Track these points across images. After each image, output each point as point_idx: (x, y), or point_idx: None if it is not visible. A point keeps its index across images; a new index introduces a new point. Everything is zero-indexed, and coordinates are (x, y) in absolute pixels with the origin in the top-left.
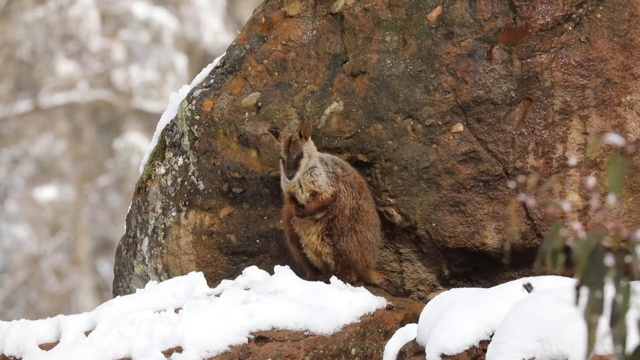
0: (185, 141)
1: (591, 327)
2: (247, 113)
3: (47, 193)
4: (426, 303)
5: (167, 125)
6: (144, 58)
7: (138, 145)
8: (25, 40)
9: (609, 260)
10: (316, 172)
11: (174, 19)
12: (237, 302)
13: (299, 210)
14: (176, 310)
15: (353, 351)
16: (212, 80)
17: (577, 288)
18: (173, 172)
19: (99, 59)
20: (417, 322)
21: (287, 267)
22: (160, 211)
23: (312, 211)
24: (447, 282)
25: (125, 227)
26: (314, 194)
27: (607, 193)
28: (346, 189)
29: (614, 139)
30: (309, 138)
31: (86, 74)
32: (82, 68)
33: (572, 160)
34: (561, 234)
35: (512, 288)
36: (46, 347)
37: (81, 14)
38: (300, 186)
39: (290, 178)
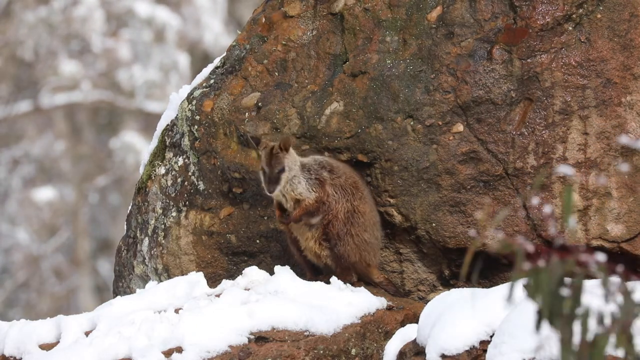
0: (186, 141)
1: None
2: (247, 113)
3: (46, 193)
4: (426, 303)
5: (167, 125)
6: (146, 57)
7: (134, 144)
8: (28, 40)
9: (566, 292)
10: (295, 181)
11: (176, 17)
12: (237, 303)
13: (283, 217)
14: (176, 311)
15: (353, 351)
16: (212, 81)
17: (539, 313)
18: (173, 172)
19: (102, 58)
20: (417, 322)
21: (287, 268)
22: (160, 211)
23: (298, 218)
24: (447, 282)
25: (125, 227)
26: (297, 202)
27: (607, 194)
28: (336, 192)
29: (565, 169)
30: (290, 149)
31: (89, 73)
32: (85, 68)
33: (535, 200)
34: (524, 267)
35: (507, 287)
36: (46, 347)
37: (86, 14)
38: (284, 196)
39: (270, 192)
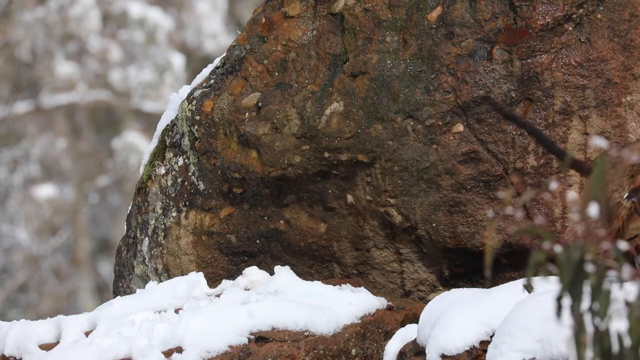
0: (186, 141)
1: (580, 347)
2: (247, 113)
3: (46, 193)
4: (426, 303)
5: (167, 125)
6: (141, 58)
7: (136, 144)
8: (25, 40)
9: (590, 268)
10: None
11: (169, 17)
12: (238, 303)
13: None
14: (176, 311)
15: (353, 351)
16: (212, 81)
17: (559, 300)
18: (173, 173)
19: (97, 59)
20: (417, 322)
21: (287, 268)
22: (160, 211)
23: None
24: (448, 283)
25: (125, 227)
26: None
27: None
28: None
29: (600, 142)
30: None
31: (85, 74)
32: (81, 69)
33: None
34: (544, 247)
35: (512, 288)
36: (46, 347)
37: (82, 14)
38: None
39: None
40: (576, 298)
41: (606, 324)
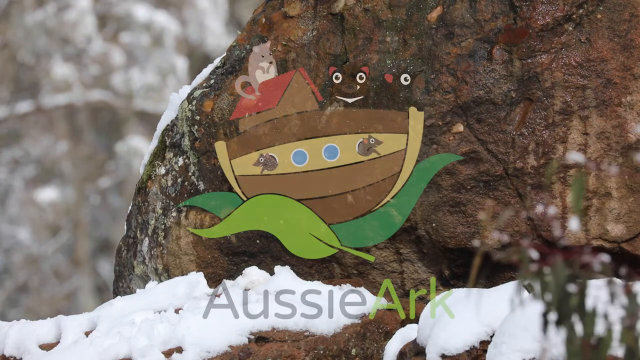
0: (186, 141)
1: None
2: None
3: (47, 194)
4: (426, 303)
5: (168, 125)
6: (144, 61)
7: (139, 148)
8: (25, 43)
9: (572, 292)
10: None
11: (175, 21)
12: (238, 303)
13: None
14: (176, 311)
15: (353, 351)
16: (212, 81)
17: (544, 315)
18: (173, 173)
19: (97, 61)
20: (417, 322)
21: (287, 268)
22: (160, 211)
23: None
24: (447, 283)
25: (125, 227)
26: None
27: (607, 194)
28: None
29: (575, 157)
30: None
31: (84, 77)
32: (79, 71)
33: (539, 201)
34: (530, 269)
35: (513, 288)
36: (46, 347)
37: (77, 18)
38: None
39: None
40: (564, 317)
41: (594, 338)
